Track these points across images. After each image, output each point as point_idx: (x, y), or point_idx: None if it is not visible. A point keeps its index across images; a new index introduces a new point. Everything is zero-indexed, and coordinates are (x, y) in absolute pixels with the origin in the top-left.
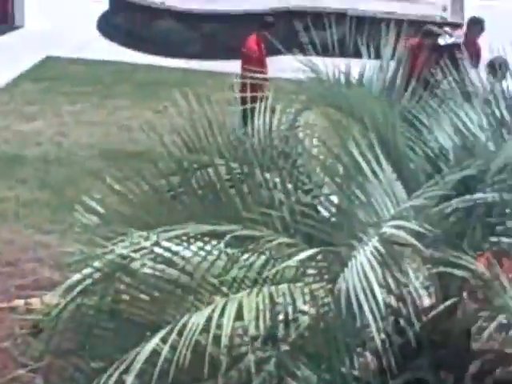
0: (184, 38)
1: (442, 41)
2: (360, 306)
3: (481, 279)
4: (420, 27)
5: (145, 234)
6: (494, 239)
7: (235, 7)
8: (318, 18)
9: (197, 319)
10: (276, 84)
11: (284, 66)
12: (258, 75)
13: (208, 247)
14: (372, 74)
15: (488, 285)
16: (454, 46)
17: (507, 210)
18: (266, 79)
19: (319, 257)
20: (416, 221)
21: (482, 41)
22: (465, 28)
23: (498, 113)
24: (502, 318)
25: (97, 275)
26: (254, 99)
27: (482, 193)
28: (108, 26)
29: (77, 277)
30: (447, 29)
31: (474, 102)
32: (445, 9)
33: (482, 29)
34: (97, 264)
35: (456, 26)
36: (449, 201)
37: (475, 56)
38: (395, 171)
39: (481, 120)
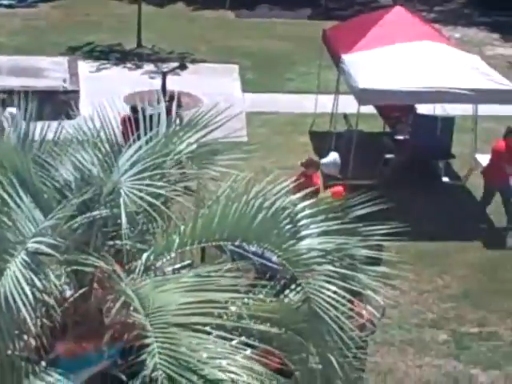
0: None
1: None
2: (16, 303)
3: (105, 272)
4: (47, 95)
5: None
6: (110, 243)
7: None
8: None
9: None
10: None
11: None
12: None
13: None
14: (8, 132)
15: (110, 276)
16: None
17: (118, 221)
18: None
19: None
20: (52, 236)
21: None
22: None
23: (103, 149)
24: (122, 299)
25: None
26: None
27: (99, 210)
28: None
29: None
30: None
31: (85, 145)
32: (65, 80)
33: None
34: None
35: (74, 92)
36: (75, 218)
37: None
38: (34, 201)
39: (92, 158)
